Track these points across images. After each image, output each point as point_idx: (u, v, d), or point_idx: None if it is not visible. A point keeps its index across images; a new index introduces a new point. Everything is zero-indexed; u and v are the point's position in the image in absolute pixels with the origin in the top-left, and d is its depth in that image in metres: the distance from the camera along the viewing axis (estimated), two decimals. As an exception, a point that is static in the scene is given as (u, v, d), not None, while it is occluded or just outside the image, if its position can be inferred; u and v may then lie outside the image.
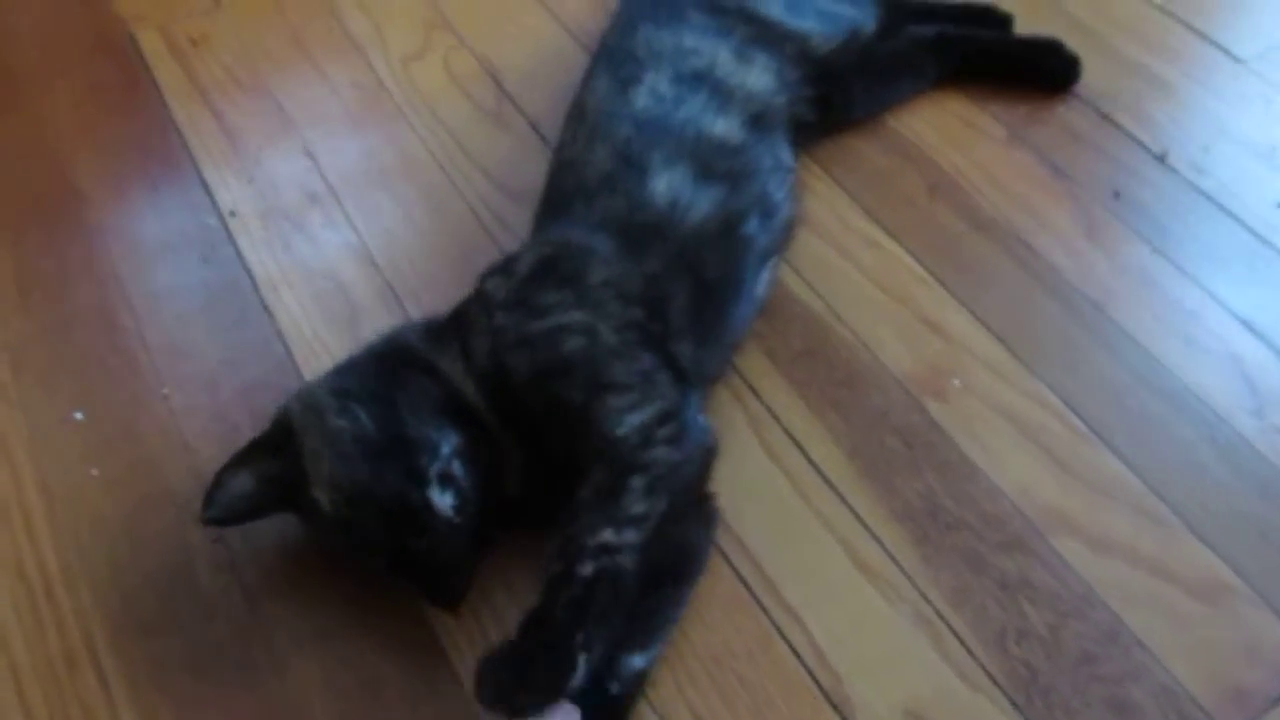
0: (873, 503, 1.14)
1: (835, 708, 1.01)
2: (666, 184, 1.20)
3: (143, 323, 1.36)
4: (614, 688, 1.01)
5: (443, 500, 1.03)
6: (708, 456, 1.12)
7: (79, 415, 1.28)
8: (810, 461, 1.17)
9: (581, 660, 0.92)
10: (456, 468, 1.04)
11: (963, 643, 1.05)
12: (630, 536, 0.98)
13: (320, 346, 1.31)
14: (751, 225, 1.23)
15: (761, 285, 1.27)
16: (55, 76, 1.68)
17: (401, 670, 1.07)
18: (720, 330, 1.21)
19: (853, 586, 1.09)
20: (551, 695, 0.90)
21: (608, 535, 0.97)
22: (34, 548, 1.18)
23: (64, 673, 1.09)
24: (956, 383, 1.22)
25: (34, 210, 1.49)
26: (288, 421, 1.08)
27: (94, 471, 1.23)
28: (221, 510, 1.07)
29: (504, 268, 1.17)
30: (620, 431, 1.03)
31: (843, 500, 1.14)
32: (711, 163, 1.24)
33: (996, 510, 1.13)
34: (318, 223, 1.45)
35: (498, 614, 1.09)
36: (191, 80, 1.64)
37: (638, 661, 1.02)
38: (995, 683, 1.02)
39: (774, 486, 1.16)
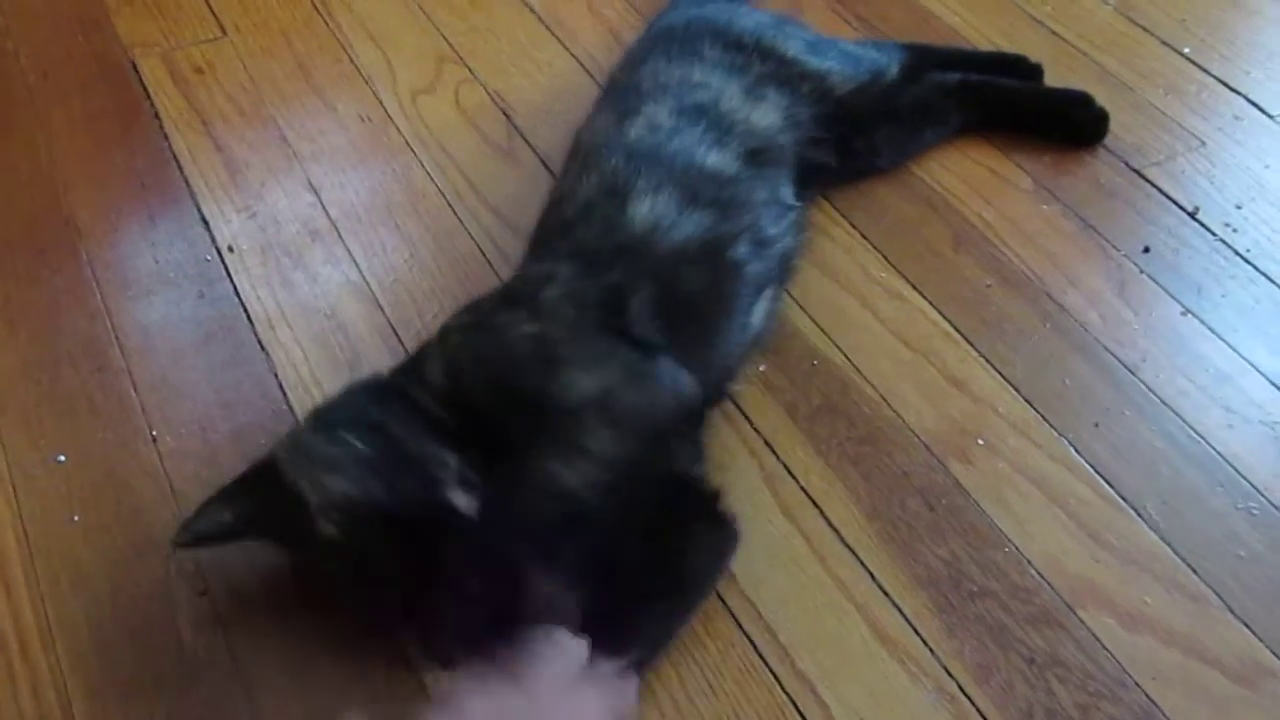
0: (893, 568, 1.08)
1: (852, 789, 0.96)
2: (649, 208, 1.18)
3: (133, 361, 1.31)
4: None
5: (467, 502, 1.00)
6: (682, 406, 1.10)
7: (62, 458, 1.22)
8: (828, 522, 1.11)
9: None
10: (469, 474, 1.01)
11: (987, 721, 0.99)
12: (587, 469, 1.01)
13: (317, 389, 1.26)
14: (741, 251, 1.20)
15: (758, 316, 1.23)
16: (54, 104, 1.63)
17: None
18: (704, 348, 1.16)
19: (871, 657, 1.03)
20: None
21: (555, 466, 1.00)
22: (9, 600, 1.12)
23: (36, 735, 1.04)
24: (981, 443, 1.17)
25: (26, 240, 1.44)
26: (272, 465, 1.05)
27: (76, 518, 1.17)
28: (192, 538, 1.05)
29: (471, 305, 1.17)
30: (576, 395, 1.04)
31: (861, 564, 1.09)
32: (699, 190, 1.21)
33: (1024, 580, 1.07)
34: (319, 259, 1.40)
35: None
36: (194, 110, 1.60)
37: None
38: (1023, 766, 0.96)
39: (790, 548, 1.10)
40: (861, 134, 1.41)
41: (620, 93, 1.35)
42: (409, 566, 0.98)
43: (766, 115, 1.31)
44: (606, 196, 1.20)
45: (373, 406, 1.07)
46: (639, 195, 1.18)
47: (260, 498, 1.04)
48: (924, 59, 1.49)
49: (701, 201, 1.19)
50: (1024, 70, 1.53)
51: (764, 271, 1.23)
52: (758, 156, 1.28)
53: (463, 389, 1.06)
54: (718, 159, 1.25)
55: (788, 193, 1.31)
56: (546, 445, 1.02)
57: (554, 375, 1.05)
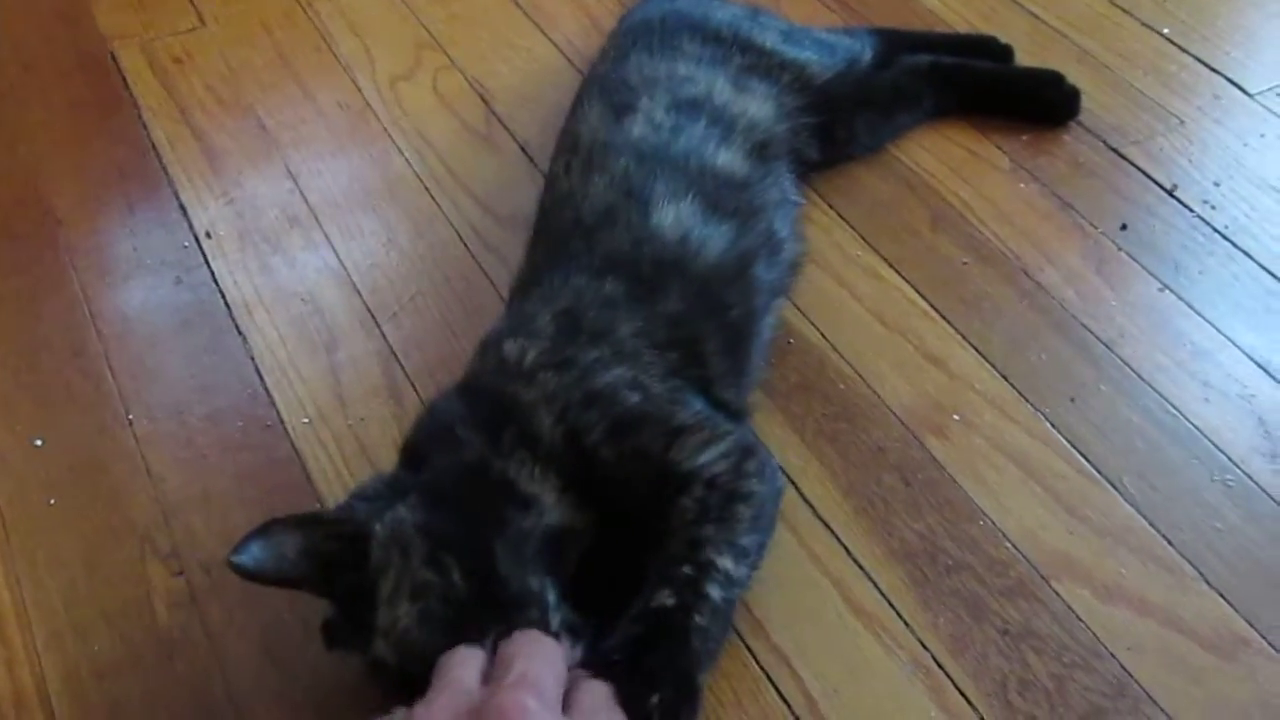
0: (869, 543, 1.08)
1: (827, 761, 0.96)
2: (674, 218, 1.14)
3: (110, 346, 1.30)
4: None
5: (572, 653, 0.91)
6: (779, 496, 1.06)
7: (39, 441, 1.22)
8: (803, 498, 1.11)
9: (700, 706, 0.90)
10: (567, 612, 0.93)
11: (962, 693, 0.98)
12: (742, 572, 0.95)
13: (294, 373, 1.26)
14: (760, 267, 1.18)
15: (769, 329, 1.21)
16: (33, 93, 1.63)
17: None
18: (746, 377, 1.15)
19: (846, 631, 1.03)
20: None
21: (728, 564, 0.94)
22: (-14, 580, 1.12)
23: (12, 715, 1.03)
24: (958, 419, 1.17)
25: (4, 228, 1.44)
26: (365, 536, 0.94)
27: (52, 501, 1.17)
28: (253, 561, 0.91)
29: (517, 327, 1.09)
30: (707, 459, 0.98)
31: (837, 539, 1.08)
32: (719, 198, 1.18)
33: (999, 554, 1.07)
34: (297, 245, 1.40)
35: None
36: (173, 99, 1.60)
37: None
38: (997, 737, 0.96)
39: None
40: (840, 121, 1.40)
41: (610, 86, 1.33)
42: None
43: (760, 107, 1.31)
44: (625, 201, 1.16)
45: (482, 517, 0.96)
46: (660, 202, 1.15)
47: (334, 556, 0.94)
48: (895, 43, 1.50)
49: (724, 211, 1.17)
50: (994, 51, 1.53)
51: (776, 283, 1.22)
52: (763, 151, 1.28)
53: (578, 439, 0.99)
54: (728, 158, 1.24)
55: (791, 188, 1.32)
56: (716, 528, 0.95)
57: (679, 444, 0.99)
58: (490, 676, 0.82)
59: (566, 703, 0.82)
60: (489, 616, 0.90)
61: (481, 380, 1.07)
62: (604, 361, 1.03)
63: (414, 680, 0.86)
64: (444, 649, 0.87)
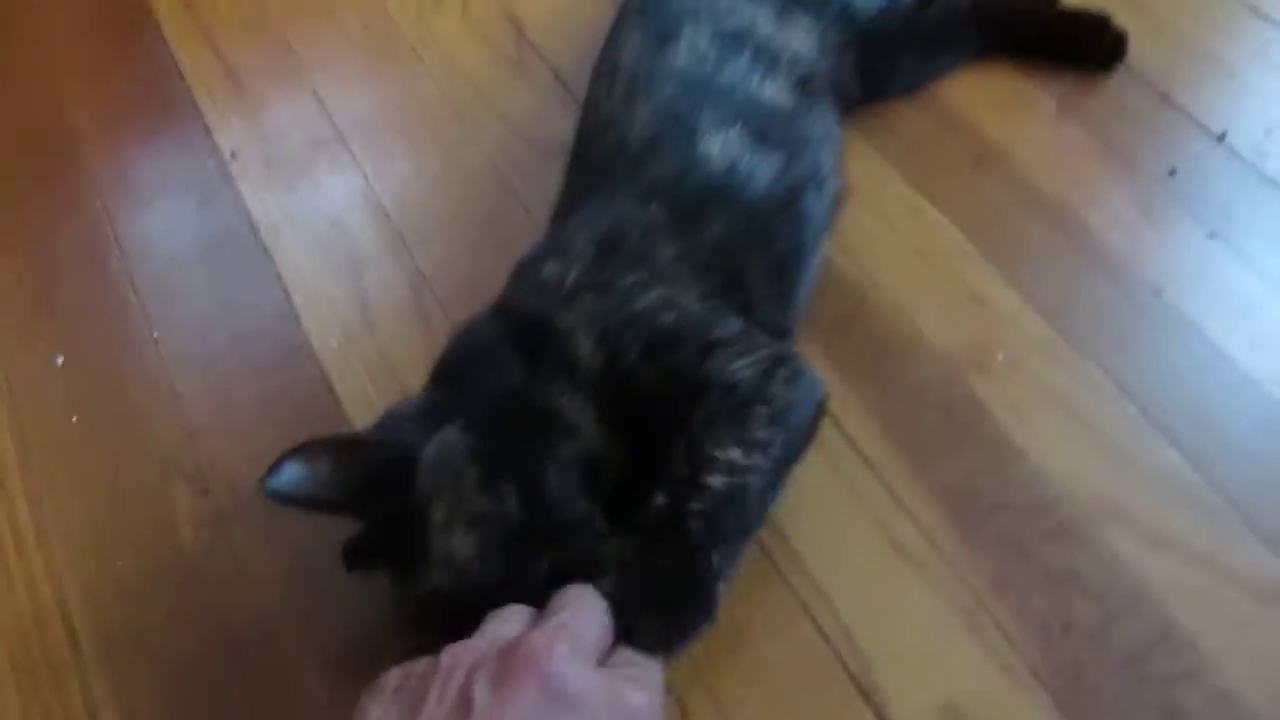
0: (909, 479, 1.06)
1: (865, 696, 0.93)
2: (721, 147, 1.11)
3: (133, 265, 1.28)
4: None
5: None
6: (819, 411, 1.02)
7: (59, 360, 1.20)
8: (843, 432, 1.09)
9: (720, 591, 0.86)
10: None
11: (1005, 634, 0.96)
12: (759, 460, 0.91)
13: (322, 295, 1.23)
14: (809, 199, 1.15)
15: (815, 265, 1.18)
16: (55, 14, 1.61)
17: (405, 644, 0.98)
18: (790, 307, 1.12)
19: (886, 566, 1.00)
20: (696, 633, 0.85)
21: (736, 453, 0.90)
22: (6, 498, 1.11)
23: (32, 633, 1.02)
24: (1002, 359, 1.14)
25: (26, 149, 1.42)
26: (409, 460, 0.92)
27: (74, 419, 1.15)
28: (287, 486, 0.87)
29: (557, 250, 1.05)
30: (738, 373, 0.95)
31: (877, 475, 1.06)
32: (767, 129, 1.15)
33: (1043, 496, 1.04)
34: (324, 168, 1.37)
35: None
36: (195, 19, 1.57)
37: None
38: (1039, 679, 0.94)
39: (804, 458, 1.05)
40: (882, 59, 1.36)
41: (650, 14, 1.28)
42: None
43: (804, 41, 1.27)
44: (670, 128, 1.13)
45: (532, 442, 0.93)
46: (707, 131, 1.12)
47: (374, 479, 0.90)
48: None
49: (772, 141, 1.14)
50: (1039, -9, 1.49)
51: (823, 217, 1.19)
52: (806, 86, 1.23)
53: (622, 370, 0.96)
54: (773, 90, 1.20)
55: (834, 124, 1.28)
56: (723, 428, 0.92)
57: (712, 358, 0.95)
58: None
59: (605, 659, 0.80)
60: (544, 544, 0.88)
61: (519, 303, 1.04)
62: (642, 284, 1.00)
63: (470, 611, 0.84)
64: (503, 578, 0.86)
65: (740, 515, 0.91)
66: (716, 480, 0.89)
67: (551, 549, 0.88)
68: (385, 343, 1.19)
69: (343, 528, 1.01)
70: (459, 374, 1.00)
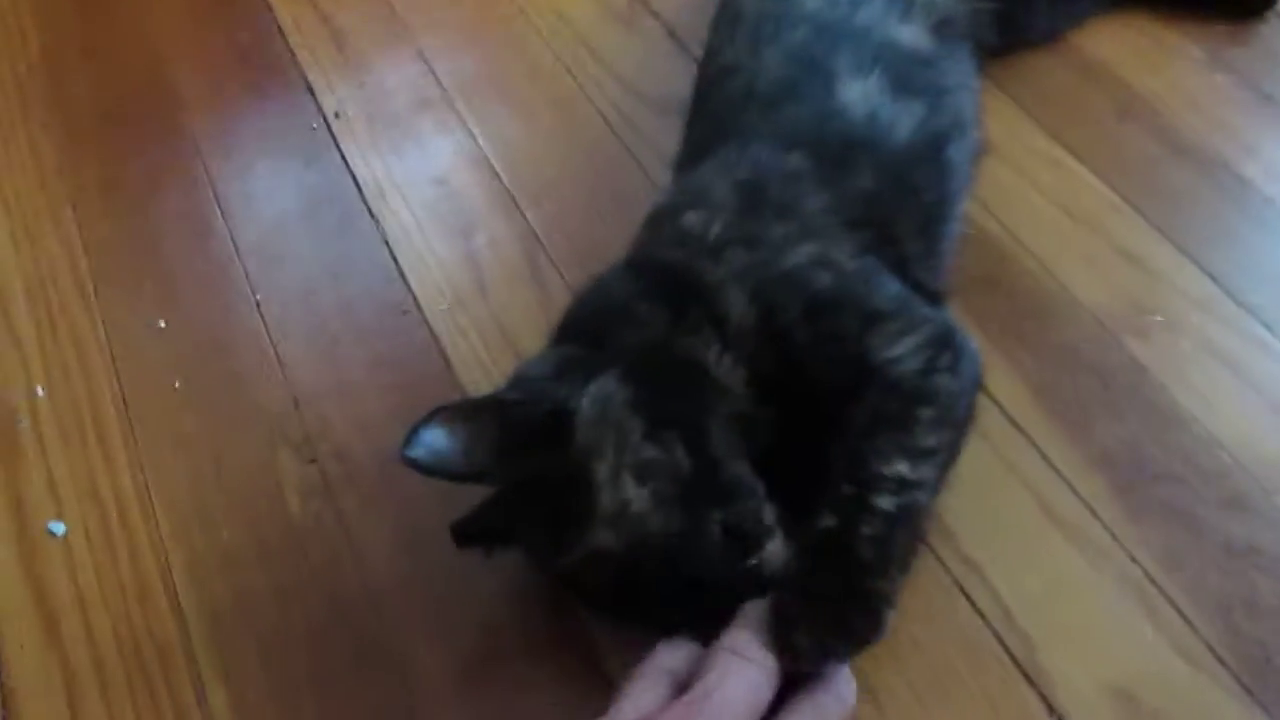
0: (1066, 447, 0.97)
1: (1028, 679, 0.85)
2: (860, 93, 1.03)
3: (236, 228, 1.24)
4: None
5: (776, 557, 0.82)
6: (977, 387, 0.93)
7: (162, 324, 1.16)
8: (992, 399, 1.01)
9: (889, 618, 0.78)
10: (780, 525, 0.84)
11: (1180, 613, 0.88)
12: (926, 473, 0.83)
13: (431, 257, 1.18)
14: (953, 149, 1.07)
15: (959, 218, 1.10)
16: (154, -23, 1.57)
17: (524, 618, 0.93)
18: (941, 259, 1.04)
19: (1045, 541, 0.93)
20: (858, 650, 0.77)
21: (903, 467, 0.82)
22: (109, 467, 1.06)
23: (135, 605, 0.97)
24: (1160, 319, 1.06)
25: (127, 111, 1.39)
26: (565, 415, 0.85)
27: (177, 385, 1.11)
28: (429, 453, 0.79)
29: (695, 198, 0.98)
30: (899, 354, 0.87)
31: (1031, 443, 0.98)
32: (906, 75, 1.07)
33: (1213, 463, 0.96)
34: (430, 128, 1.32)
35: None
36: (297, -19, 1.52)
37: None
38: (1221, 662, 0.85)
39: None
40: (1020, 5, 1.28)
41: None
42: (676, 594, 0.83)
43: None
44: (805, 74, 1.05)
45: (692, 397, 0.87)
46: (844, 76, 1.04)
47: (520, 440, 0.83)
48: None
49: (912, 89, 1.06)
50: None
51: (966, 169, 1.11)
52: (944, 30, 1.15)
53: (777, 330, 0.89)
54: (911, 34, 1.12)
55: (972, 73, 1.19)
56: (889, 437, 0.84)
57: (874, 331, 0.88)
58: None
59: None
60: (713, 500, 0.82)
61: (658, 254, 0.96)
62: (793, 238, 0.93)
63: (639, 570, 0.80)
64: (680, 533, 0.80)
65: (911, 535, 0.83)
66: (886, 502, 0.81)
67: (722, 507, 0.81)
68: (497, 305, 1.13)
69: (457, 493, 0.95)
70: (594, 329, 0.93)
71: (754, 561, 0.81)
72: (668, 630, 0.81)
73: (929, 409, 0.86)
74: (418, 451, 0.78)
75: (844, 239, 0.94)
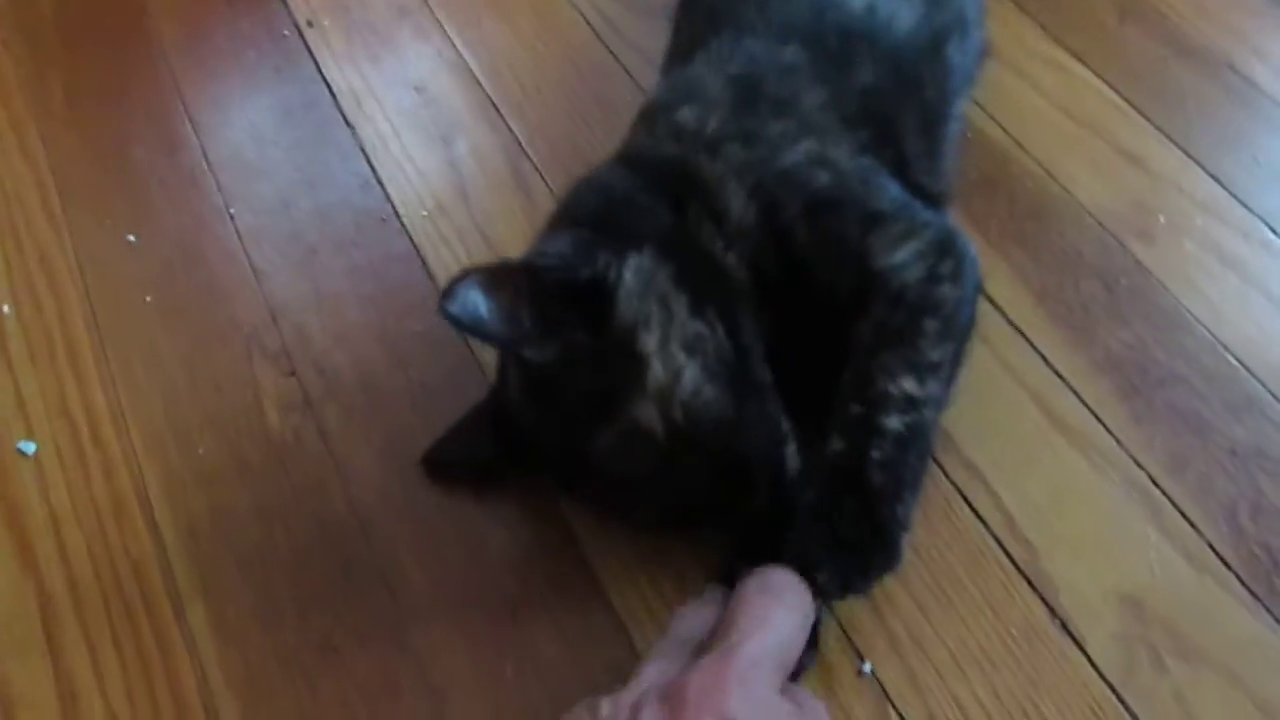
0: (1069, 352, 0.95)
1: (1032, 585, 0.83)
2: None
3: (207, 139, 1.19)
4: None
5: (793, 465, 0.81)
6: (977, 293, 0.90)
7: (133, 238, 1.11)
8: (993, 303, 0.98)
9: (904, 543, 0.77)
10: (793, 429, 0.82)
11: (1185, 517, 0.86)
12: (933, 388, 0.81)
13: (410, 165, 1.14)
14: (953, 47, 1.03)
15: (960, 119, 1.06)
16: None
17: (511, 532, 0.90)
18: (941, 159, 1.00)
19: (1048, 446, 0.90)
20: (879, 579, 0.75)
21: (910, 384, 0.80)
22: (79, 384, 1.02)
23: (110, 523, 0.94)
24: (1164, 221, 1.03)
25: (90, 19, 1.33)
26: (607, 285, 0.81)
27: (148, 298, 1.07)
28: (467, 310, 0.74)
29: (689, 93, 0.94)
30: (901, 260, 0.84)
31: (1033, 348, 0.95)
32: None
33: (1219, 366, 0.93)
34: (408, 35, 1.27)
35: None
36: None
37: None
38: (1227, 565, 0.83)
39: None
40: None
41: None
42: (689, 496, 0.81)
43: None
44: None
45: (721, 288, 0.84)
46: None
47: (562, 306, 0.79)
48: None
49: None
50: None
51: (967, 71, 1.07)
52: None
53: (778, 228, 0.85)
54: None
55: None
56: (895, 352, 0.81)
57: (876, 234, 0.85)
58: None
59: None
60: (751, 389, 0.80)
61: (654, 149, 0.92)
62: (790, 135, 0.89)
63: (675, 451, 0.78)
64: (731, 413, 0.78)
65: (921, 455, 0.81)
66: (894, 422, 0.79)
67: (753, 398, 0.79)
68: (480, 213, 1.10)
69: (437, 406, 0.93)
70: (603, 217, 0.87)
71: (785, 451, 0.80)
72: (663, 531, 0.81)
73: (933, 320, 0.83)
74: (455, 308, 0.74)
75: (842, 137, 0.91)
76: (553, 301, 0.78)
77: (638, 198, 0.88)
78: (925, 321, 0.83)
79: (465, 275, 0.74)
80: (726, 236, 0.85)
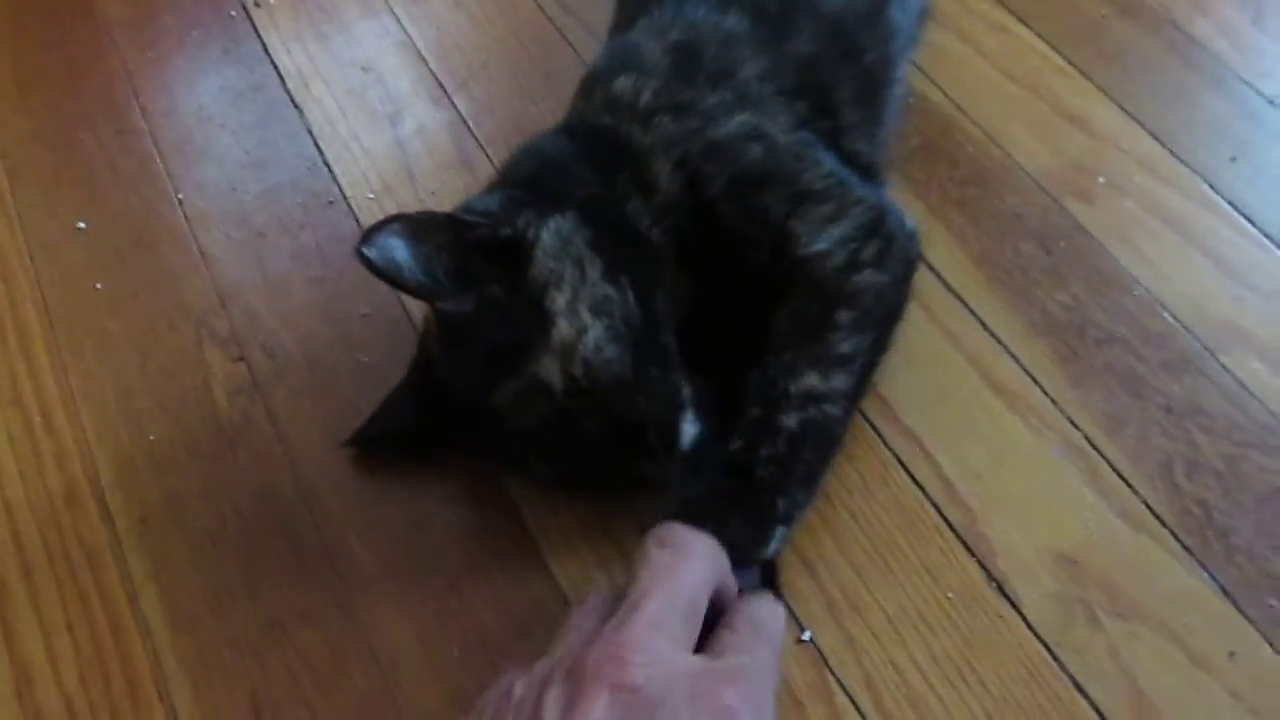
0: (1007, 315, 0.96)
1: (969, 549, 0.84)
2: None
3: (155, 123, 1.19)
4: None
5: (690, 432, 0.82)
6: (911, 270, 0.91)
7: (82, 224, 1.12)
8: (932, 268, 0.99)
9: (778, 534, 0.79)
10: (703, 401, 0.83)
11: (1121, 476, 0.87)
12: (839, 381, 0.82)
13: (357, 146, 1.14)
14: (894, 9, 1.03)
15: (903, 82, 1.07)
16: None
17: (455, 509, 0.91)
18: (884, 125, 1.01)
19: (986, 410, 0.91)
20: (738, 565, 0.73)
21: (813, 380, 0.81)
22: (31, 371, 1.03)
23: (63, 510, 0.95)
24: (1103, 181, 1.03)
25: (36, 2, 1.32)
26: (524, 243, 0.83)
27: (99, 285, 1.07)
28: (384, 256, 0.76)
29: (627, 61, 0.94)
30: (823, 247, 0.85)
31: (971, 312, 0.96)
32: None
33: (1157, 325, 0.94)
34: (355, 13, 1.27)
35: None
36: None
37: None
38: (1162, 522, 0.84)
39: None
40: None
41: None
42: (586, 455, 0.83)
43: None
44: None
45: (634, 252, 0.85)
46: None
47: (478, 259, 0.81)
48: None
49: None
50: None
51: (911, 32, 1.07)
52: None
53: (703, 201, 0.87)
54: None
55: None
56: (802, 348, 0.83)
57: (801, 213, 0.86)
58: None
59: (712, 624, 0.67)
60: (654, 356, 0.81)
61: (590, 120, 0.93)
62: (726, 106, 0.90)
63: (572, 410, 0.80)
64: (623, 376, 0.79)
65: (817, 450, 0.83)
66: (791, 420, 0.81)
67: (659, 365, 0.81)
68: (426, 192, 1.10)
69: (386, 388, 0.93)
70: (537, 180, 0.89)
71: (681, 420, 0.81)
72: (565, 488, 0.85)
73: (847, 311, 0.85)
74: (373, 253, 0.76)
75: (780, 110, 0.91)
76: (473, 256, 0.81)
77: (569, 165, 0.89)
78: (839, 314, 0.85)
79: (388, 221, 0.77)
80: (652, 209, 0.87)
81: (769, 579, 0.81)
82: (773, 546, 0.80)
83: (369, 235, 0.76)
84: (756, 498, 0.79)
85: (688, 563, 0.65)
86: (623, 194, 0.87)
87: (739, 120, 0.89)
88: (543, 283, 0.81)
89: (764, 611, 0.69)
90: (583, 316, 0.80)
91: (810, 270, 0.86)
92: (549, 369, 0.80)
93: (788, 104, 0.93)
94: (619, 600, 0.64)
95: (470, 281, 0.81)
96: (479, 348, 0.82)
